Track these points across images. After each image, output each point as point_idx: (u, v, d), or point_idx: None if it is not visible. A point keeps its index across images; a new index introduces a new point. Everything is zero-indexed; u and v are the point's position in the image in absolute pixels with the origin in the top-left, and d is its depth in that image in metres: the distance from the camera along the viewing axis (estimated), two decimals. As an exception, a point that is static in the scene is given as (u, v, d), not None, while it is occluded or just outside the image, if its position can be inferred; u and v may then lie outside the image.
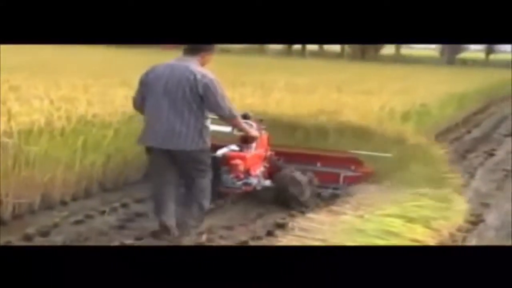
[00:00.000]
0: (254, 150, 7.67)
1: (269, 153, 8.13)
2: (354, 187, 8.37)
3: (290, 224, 6.89)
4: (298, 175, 7.89)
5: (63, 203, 7.50)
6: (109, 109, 8.31)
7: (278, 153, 8.31)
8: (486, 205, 8.29)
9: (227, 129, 7.10)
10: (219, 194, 7.41)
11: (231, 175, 7.32)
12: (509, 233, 7.21)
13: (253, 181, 7.57)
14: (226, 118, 6.42)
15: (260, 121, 7.93)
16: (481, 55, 61.20)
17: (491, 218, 7.78)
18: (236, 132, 7.17)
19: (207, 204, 6.46)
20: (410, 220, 6.83)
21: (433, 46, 64.16)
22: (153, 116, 6.22)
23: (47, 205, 7.30)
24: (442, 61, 53.82)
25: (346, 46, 57.31)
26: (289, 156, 8.47)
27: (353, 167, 8.48)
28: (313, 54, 53.62)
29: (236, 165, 7.30)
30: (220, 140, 7.40)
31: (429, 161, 8.71)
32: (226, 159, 7.33)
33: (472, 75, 27.41)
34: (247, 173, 7.48)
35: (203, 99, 6.13)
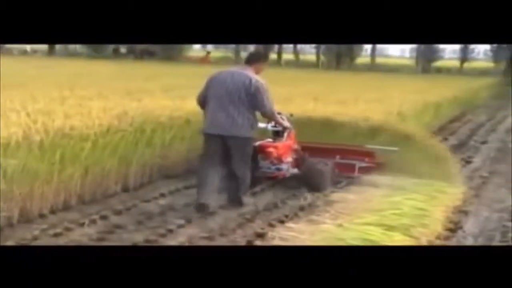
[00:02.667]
0: (284, 140, 9.22)
1: (296, 146, 9.52)
2: (333, 196, 8.60)
3: (269, 234, 6.91)
4: (321, 165, 9.41)
5: (42, 216, 7.45)
6: (86, 121, 8.25)
7: (304, 148, 9.68)
8: (464, 213, 8.32)
9: (262, 125, 8.80)
10: (256, 180, 8.86)
11: (266, 161, 8.99)
12: (487, 240, 7.26)
13: (284, 167, 9.18)
14: (267, 114, 8.29)
15: (290, 115, 9.51)
16: (456, 63, 61.44)
17: (469, 225, 7.82)
18: (270, 128, 9.13)
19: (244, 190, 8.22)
20: (389, 228, 6.87)
21: (407, 54, 64.52)
22: (217, 111, 7.90)
23: (26, 218, 7.25)
24: (417, 69, 54.13)
25: (321, 56, 57.54)
26: (313, 150, 9.85)
27: (366, 159, 9.94)
28: (288, 63, 53.69)
29: (270, 152, 8.97)
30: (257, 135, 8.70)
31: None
32: (262, 147, 8.96)
33: (447, 84, 27.52)
34: (279, 159, 9.07)
35: (253, 97, 7.82)
